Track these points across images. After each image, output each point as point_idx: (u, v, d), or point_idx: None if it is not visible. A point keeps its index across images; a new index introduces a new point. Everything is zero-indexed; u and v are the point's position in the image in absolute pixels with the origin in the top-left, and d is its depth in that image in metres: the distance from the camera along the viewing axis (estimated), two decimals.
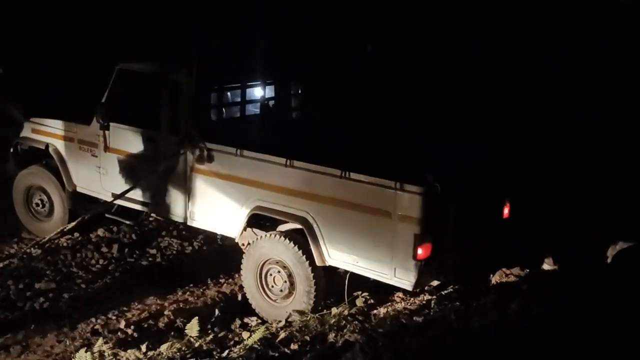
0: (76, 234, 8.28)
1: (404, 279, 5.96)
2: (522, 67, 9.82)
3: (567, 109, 9.46)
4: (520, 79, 9.77)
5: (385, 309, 6.43)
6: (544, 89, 9.70)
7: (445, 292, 6.69)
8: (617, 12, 9.78)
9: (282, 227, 6.72)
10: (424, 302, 6.52)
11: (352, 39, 10.18)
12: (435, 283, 6.64)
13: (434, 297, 6.57)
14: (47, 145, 8.22)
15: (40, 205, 8.49)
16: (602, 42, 9.72)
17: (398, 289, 6.52)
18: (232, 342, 6.08)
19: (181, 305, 7.09)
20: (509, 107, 9.52)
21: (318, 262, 6.37)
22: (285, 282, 6.61)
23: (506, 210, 7.01)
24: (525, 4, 10.18)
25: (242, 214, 6.78)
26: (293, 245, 6.45)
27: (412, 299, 6.65)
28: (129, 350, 5.95)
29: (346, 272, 6.40)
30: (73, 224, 6.81)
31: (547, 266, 7.15)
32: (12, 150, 8.66)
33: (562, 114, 9.32)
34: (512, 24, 10.06)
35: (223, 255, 8.25)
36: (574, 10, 9.92)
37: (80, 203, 8.19)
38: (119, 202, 7.57)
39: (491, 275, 6.91)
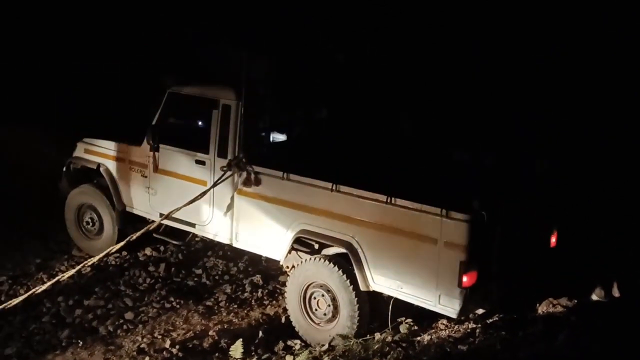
0: (124, 253, 8.46)
1: (449, 307, 5.91)
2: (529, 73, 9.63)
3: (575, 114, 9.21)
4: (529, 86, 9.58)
5: (429, 336, 6.38)
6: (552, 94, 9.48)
7: (491, 320, 6.60)
8: (616, 12, 9.53)
9: (327, 251, 6.74)
10: (469, 330, 6.45)
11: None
12: (480, 311, 6.57)
13: (479, 325, 6.49)
14: (98, 165, 8.42)
15: (91, 224, 8.68)
16: (602, 42, 9.47)
17: (442, 316, 6.47)
18: None
19: (225, 326, 7.14)
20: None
21: (362, 287, 6.37)
22: (329, 306, 6.62)
23: (553, 239, 6.92)
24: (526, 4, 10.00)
25: (287, 237, 6.83)
26: (337, 269, 6.46)
27: (456, 326, 6.58)
28: None
29: (390, 297, 6.38)
30: (120, 244, 6.92)
31: (595, 297, 7.02)
32: (64, 169, 8.89)
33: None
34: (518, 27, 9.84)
35: (267, 277, 8.31)
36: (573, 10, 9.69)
37: (129, 222, 8.36)
38: (166, 222, 7.69)
39: (538, 305, 6.80)
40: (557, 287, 6.95)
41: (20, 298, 6.43)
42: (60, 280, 7.00)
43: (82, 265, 6.92)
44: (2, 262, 8.34)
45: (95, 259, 6.90)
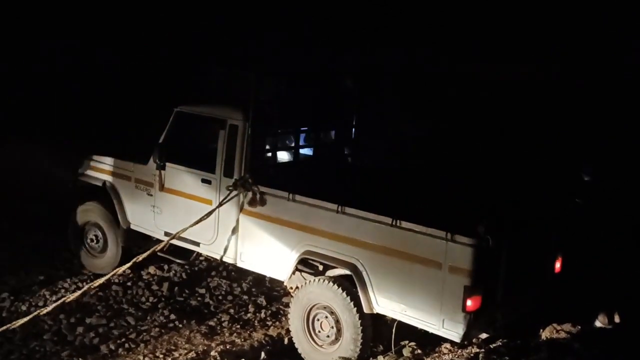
0: (127, 271, 8.42)
1: (452, 331, 5.90)
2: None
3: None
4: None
5: None
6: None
7: (494, 345, 6.57)
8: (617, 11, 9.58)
9: (331, 273, 6.74)
10: (472, 354, 6.42)
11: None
12: (484, 336, 6.55)
13: (482, 350, 6.46)
14: (104, 183, 8.44)
15: (95, 241, 8.68)
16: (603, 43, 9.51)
17: (446, 340, 6.44)
18: None
19: (228, 347, 7.10)
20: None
21: (366, 309, 6.36)
22: (332, 328, 6.60)
23: (558, 264, 6.91)
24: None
25: (291, 257, 6.82)
26: (341, 291, 6.45)
27: (459, 350, 6.56)
28: None
29: (394, 320, 6.36)
30: (127, 265, 6.92)
31: (599, 323, 7.00)
32: (70, 186, 8.91)
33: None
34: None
35: (271, 297, 8.29)
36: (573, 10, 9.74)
37: (133, 240, 8.36)
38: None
39: (541, 331, 6.78)
40: (561, 312, 6.93)
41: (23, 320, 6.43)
42: (63, 295, 6.99)
43: (87, 287, 6.93)
44: (5, 278, 8.33)
45: (103, 280, 6.91)
